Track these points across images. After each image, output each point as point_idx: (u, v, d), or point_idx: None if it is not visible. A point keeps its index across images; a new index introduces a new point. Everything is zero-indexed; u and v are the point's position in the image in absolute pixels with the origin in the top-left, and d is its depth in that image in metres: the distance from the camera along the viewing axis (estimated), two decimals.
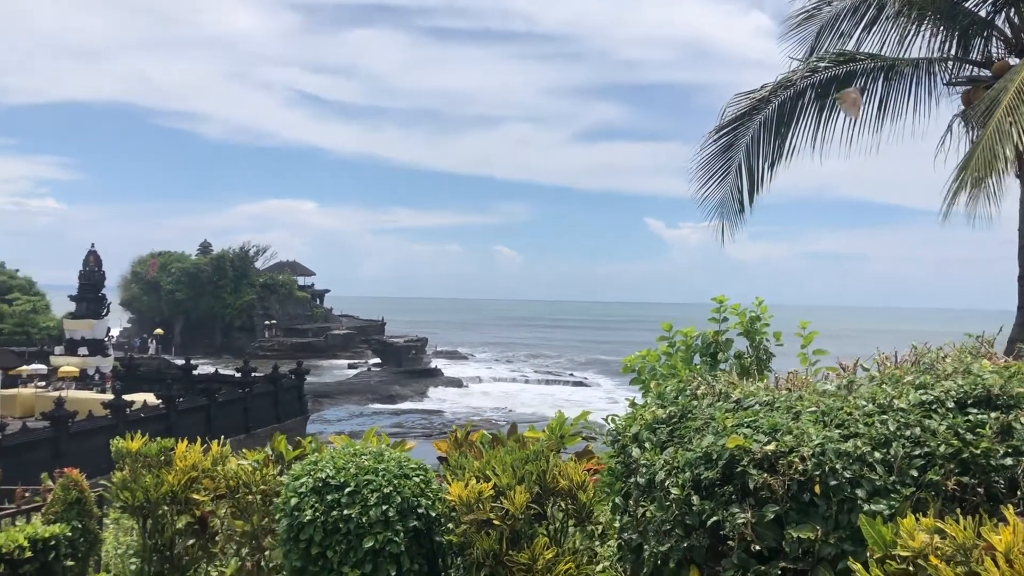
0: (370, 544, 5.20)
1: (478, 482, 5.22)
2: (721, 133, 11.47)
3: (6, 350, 39.96)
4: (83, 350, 43.00)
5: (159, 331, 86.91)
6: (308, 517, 5.31)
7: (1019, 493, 4.53)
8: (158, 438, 7.08)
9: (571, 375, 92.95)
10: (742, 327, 8.68)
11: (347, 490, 5.34)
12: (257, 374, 45.28)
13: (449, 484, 5.36)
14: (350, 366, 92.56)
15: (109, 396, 35.31)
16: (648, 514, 5.33)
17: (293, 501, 5.40)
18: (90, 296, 44.68)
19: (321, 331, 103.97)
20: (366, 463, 5.52)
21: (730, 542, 4.86)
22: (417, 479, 5.56)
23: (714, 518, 4.93)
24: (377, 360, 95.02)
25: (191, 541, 6.65)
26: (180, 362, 54.91)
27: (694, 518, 5.03)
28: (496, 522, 5.11)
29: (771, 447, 4.95)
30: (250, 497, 6.36)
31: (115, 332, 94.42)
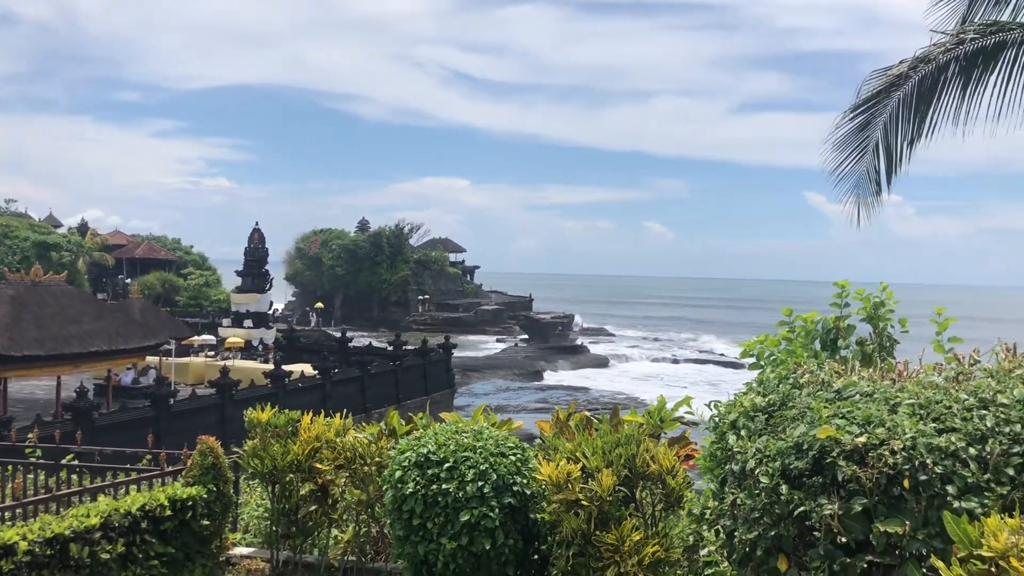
0: (466, 518, 5.49)
1: (569, 463, 5.40)
2: (858, 111, 11.04)
3: (180, 321, 43.17)
4: (248, 322, 45.89)
5: (320, 304, 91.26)
6: (410, 490, 5.65)
7: None
8: (309, 409, 7.61)
9: (722, 355, 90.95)
10: (865, 313, 8.42)
11: (446, 466, 5.64)
12: (408, 347, 47.01)
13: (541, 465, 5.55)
14: (498, 341, 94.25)
15: (270, 366, 37.57)
16: (739, 501, 5.36)
17: (397, 474, 5.76)
18: (254, 271, 47.58)
19: (471, 306, 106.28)
20: (465, 440, 5.81)
21: (816, 533, 4.85)
22: (513, 458, 5.80)
23: (801, 508, 4.93)
24: (524, 336, 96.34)
25: (313, 507, 7.16)
26: (338, 335, 57.64)
27: (783, 507, 5.03)
28: (584, 503, 5.27)
29: (862, 439, 4.89)
30: (366, 468, 6.79)
31: (280, 305, 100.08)
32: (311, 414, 7.44)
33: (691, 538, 7.19)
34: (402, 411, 7.37)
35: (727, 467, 5.74)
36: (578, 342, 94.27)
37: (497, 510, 5.55)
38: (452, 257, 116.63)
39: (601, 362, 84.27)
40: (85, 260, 68.73)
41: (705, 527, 6.80)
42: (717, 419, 6.35)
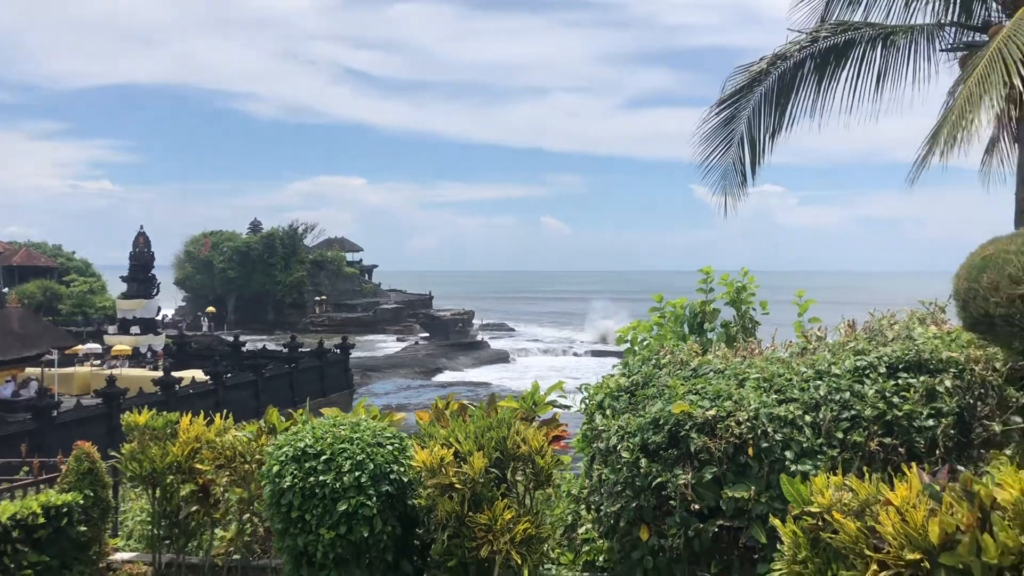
0: (344, 507, 5.62)
1: (442, 449, 5.59)
2: (723, 106, 11.58)
3: (63, 330, 41.46)
4: (135, 329, 44.45)
5: (211, 309, 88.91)
6: (287, 483, 5.74)
7: (938, 452, 4.78)
8: (202, 413, 7.55)
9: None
10: (729, 297, 8.92)
11: (323, 458, 5.75)
12: (304, 349, 46.39)
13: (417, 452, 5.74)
14: (398, 340, 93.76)
15: (159, 374, 36.51)
16: (603, 476, 5.66)
17: (275, 469, 5.84)
18: (140, 276, 46.09)
19: (370, 306, 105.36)
20: (343, 433, 5.93)
21: (672, 502, 5.18)
22: (391, 447, 5.96)
23: (659, 479, 5.26)
24: (425, 334, 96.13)
25: (195, 507, 7.15)
26: (231, 339, 56.32)
27: (642, 480, 5.35)
28: (458, 486, 5.48)
29: (712, 412, 5.25)
30: (246, 466, 6.84)
31: (170, 311, 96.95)
32: (190, 416, 7.42)
33: (570, 517, 7.51)
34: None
35: (595, 445, 6.06)
36: (479, 338, 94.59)
37: (375, 498, 5.70)
38: (349, 256, 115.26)
39: (502, 357, 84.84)
40: None
41: (582, 506, 7.12)
42: (587, 401, 6.68)
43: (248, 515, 7.04)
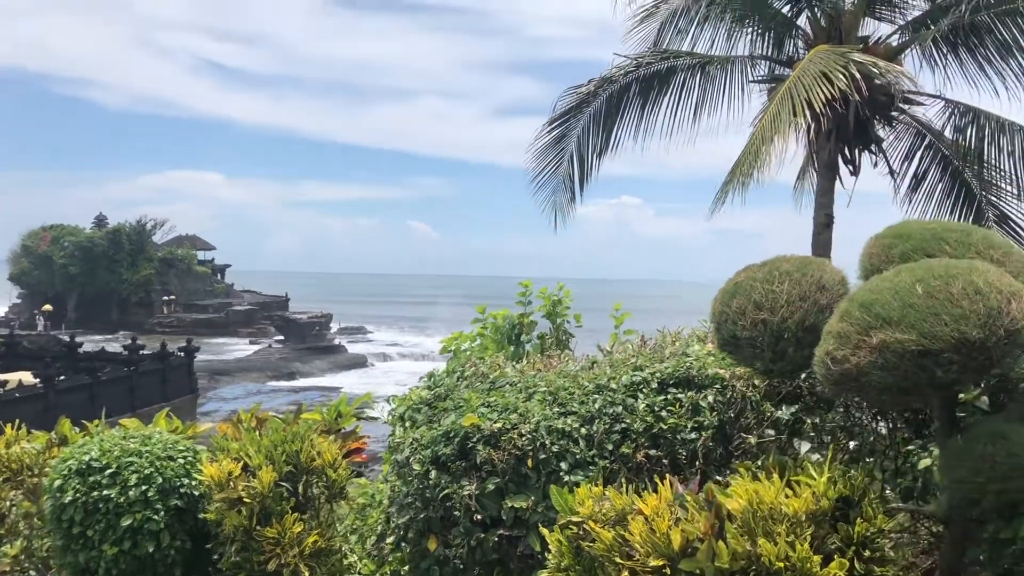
0: (128, 522, 5.51)
1: (232, 463, 5.57)
2: (554, 125, 11.97)
3: None
4: None
5: (48, 307, 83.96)
6: (69, 498, 5.58)
7: (698, 463, 5.14)
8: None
9: None
10: (545, 310, 9.23)
11: (108, 472, 5.62)
12: (147, 351, 44.48)
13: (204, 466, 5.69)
14: (251, 343, 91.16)
15: None
16: (395, 488, 5.78)
17: (57, 483, 5.67)
18: None
19: (222, 307, 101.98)
20: (131, 446, 5.81)
21: (456, 512, 5.34)
22: (182, 460, 5.89)
23: (447, 491, 5.41)
24: (280, 337, 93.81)
25: None
26: (68, 339, 53.33)
27: (432, 491, 5.49)
28: (247, 500, 5.47)
29: (498, 424, 5.44)
30: (34, 479, 6.58)
31: (2, 309, 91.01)
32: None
33: (379, 527, 7.59)
34: (139, 419, 7.13)
35: (393, 457, 6.16)
36: (336, 342, 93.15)
37: (162, 512, 5.62)
38: (201, 255, 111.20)
39: (359, 362, 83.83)
40: None
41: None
42: (392, 413, 6.78)
43: (36, 530, 6.76)
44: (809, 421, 5.34)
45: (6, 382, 32.72)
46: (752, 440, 5.24)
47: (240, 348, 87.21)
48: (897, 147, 11.48)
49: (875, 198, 11.58)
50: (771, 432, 5.27)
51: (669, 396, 5.40)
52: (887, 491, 4.71)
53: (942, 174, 11.44)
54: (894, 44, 10.86)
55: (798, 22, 11.28)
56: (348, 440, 6.17)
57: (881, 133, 10.95)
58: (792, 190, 13.14)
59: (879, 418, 5.38)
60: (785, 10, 11.23)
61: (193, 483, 5.81)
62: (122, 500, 5.53)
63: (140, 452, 5.75)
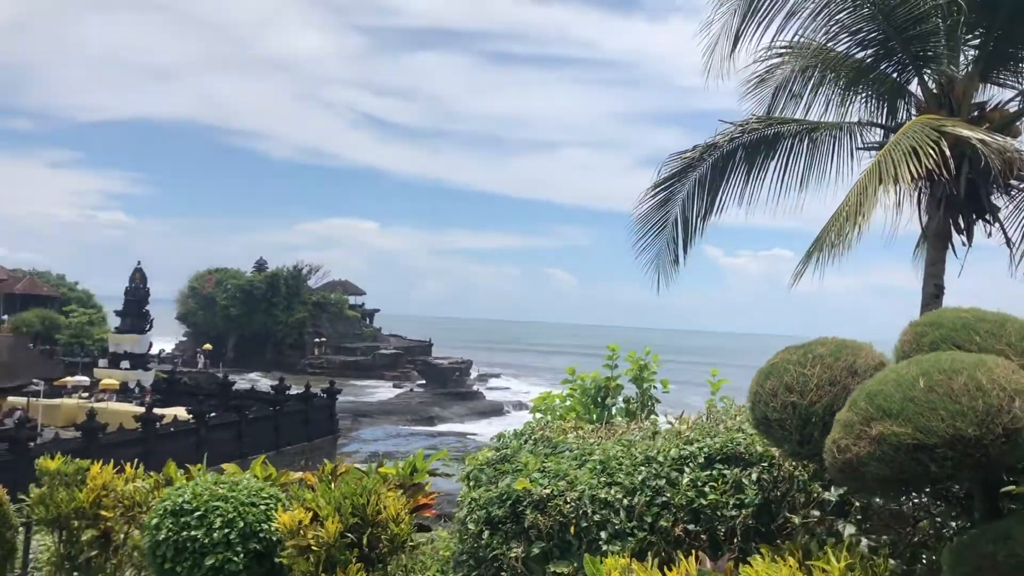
0: (211, 562, 6.05)
1: (303, 512, 6.03)
2: (658, 189, 12.13)
3: (55, 360, 41.95)
4: (125, 363, 44.99)
5: (208, 346, 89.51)
6: (162, 536, 6.18)
7: (736, 540, 5.19)
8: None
9: None
10: (632, 374, 9.35)
11: (196, 514, 6.20)
12: (293, 391, 46.68)
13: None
14: (394, 386, 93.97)
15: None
16: (452, 546, 6.09)
17: (153, 521, 6.29)
18: (134, 312, 46.78)
19: (369, 350, 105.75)
20: (220, 491, 6.38)
21: (504, 573, 5.60)
22: (264, 506, 6.40)
23: (496, 551, 5.68)
24: (422, 381, 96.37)
25: (95, 552, 7.57)
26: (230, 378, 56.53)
27: (484, 551, 5.79)
28: (314, 548, 5.90)
29: (547, 491, 5.68)
30: (144, 515, 7.26)
31: (170, 346, 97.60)
32: (100, 464, 7.87)
33: None
34: (281, 457, 7.80)
35: (457, 515, 6.48)
36: (475, 388, 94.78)
37: (242, 554, 6.13)
38: (352, 300, 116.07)
39: (496, 409, 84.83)
40: None
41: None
42: (463, 472, 7.11)
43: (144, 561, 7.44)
44: (857, 503, 5.30)
45: (163, 416, 35.13)
46: (796, 520, 5.24)
47: (383, 390, 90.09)
48: (1018, 216, 11.02)
49: (1002, 270, 11.08)
50: (816, 513, 5.26)
51: (714, 471, 5.48)
52: None
53: None
54: (1011, 110, 10.49)
55: (910, 87, 11.07)
56: (417, 495, 6.52)
57: (999, 202, 10.55)
58: (912, 256, 12.75)
59: (938, 503, 5.28)
60: (896, 75, 11.04)
61: (272, 528, 6.30)
62: (207, 541, 6.08)
63: (227, 497, 6.30)
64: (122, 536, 7.62)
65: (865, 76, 11.29)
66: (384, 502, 6.15)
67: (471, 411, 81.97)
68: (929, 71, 10.60)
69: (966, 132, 8.49)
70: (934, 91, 10.59)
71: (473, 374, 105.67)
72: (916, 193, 10.73)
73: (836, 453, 3.87)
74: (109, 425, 32.30)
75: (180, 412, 37.60)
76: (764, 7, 10.11)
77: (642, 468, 5.63)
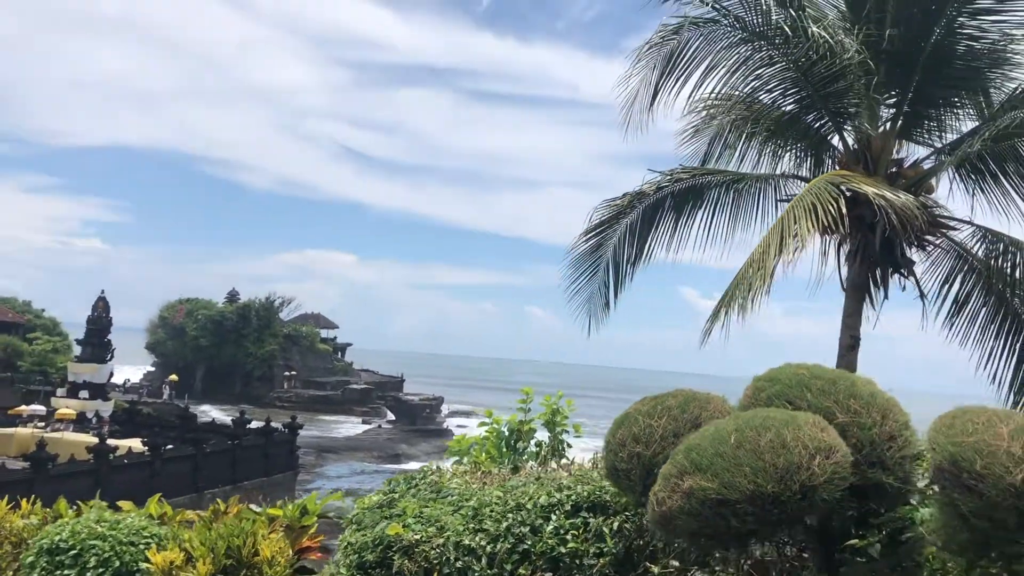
0: None
1: (178, 552, 6.01)
2: (590, 235, 12.29)
3: (11, 389, 41.29)
4: (84, 393, 44.39)
5: (174, 377, 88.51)
6: (36, 575, 6.14)
7: None
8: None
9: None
10: (544, 418, 9.41)
11: (71, 552, 6.17)
12: (254, 425, 46.17)
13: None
14: (363, 422, 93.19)
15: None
16: None
17: (29, 559, 6.24)
18: (95, 341, 46.24)
19: (339, 385, 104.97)
20: (99, 529, 6.35)
21: None
22: (143, 546, 6.38)
23: None
24: (391, 417, 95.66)
25: None
26: (194, 409, 55.94)
27: None
28: None
29: (417, 536, 5.71)
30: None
31: (138, 376, 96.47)
32: (83, 494, 7.80)
33: None
34: (239, 492, 7.75)
35: (332, 559, 6.49)
36: (445, 426, 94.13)
37: None
38: (324, 333, 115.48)
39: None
40: None
41: None
42: (351, 515, 7.12)
43: None
44: (718, 554, 5.36)
45: (116, 448, 34.63)
46: (656, 570, 5.30)
47: (351, 426, 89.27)
48: (934, 271, 11.23)
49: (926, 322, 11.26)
50: (675, 563, 5.32)
51: (579, 519, 5.54)
52: None
53: (985, 299, 11.11)
54: (925, 168, 10.77)
55: (833, 141, 11.34)
56: (301, 538, 6.52)
57: (915, 256, 10.78)
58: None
59: (804, 554, 5.35)
60: (820, 128, 11.31)
61: (148, 568, 6.26)
62: None
63: (105, 536, 6.28)
64: (11, 573, 7.52)
65: (792, 128, 11.55)
66: (260, 544, 6.14)
67: (438, 449, 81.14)
68: (848, 127, 10.87)
69: (867, 188, 8.70)
70: (853, 147, 10.85)
71: (444, 411, 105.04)
72: (837, 245, 10.96)
73: (655, 505, 3.94)
74: (60, 456, 31.80)
75: (136, 444, 37.11)
76: (683, 62, 10.34)
77: (510, 515, 5.67)
